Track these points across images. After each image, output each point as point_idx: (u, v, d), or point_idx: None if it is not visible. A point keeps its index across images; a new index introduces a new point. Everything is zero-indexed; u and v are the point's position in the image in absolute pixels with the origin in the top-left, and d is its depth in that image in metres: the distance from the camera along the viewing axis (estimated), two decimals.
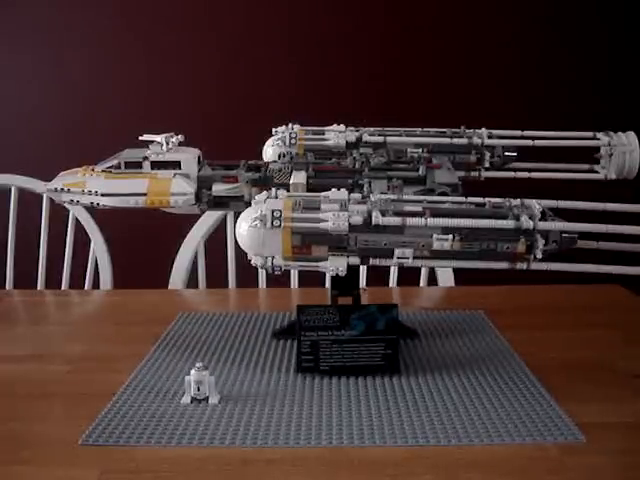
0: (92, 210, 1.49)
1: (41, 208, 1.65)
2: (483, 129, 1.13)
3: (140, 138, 1.04)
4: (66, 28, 2.37)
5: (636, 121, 1.36)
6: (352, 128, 1.14)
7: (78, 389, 0.96)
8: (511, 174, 1.13)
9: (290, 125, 1.13)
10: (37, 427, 0.85)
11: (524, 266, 0.88)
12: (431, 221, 0.86)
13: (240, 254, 0.97)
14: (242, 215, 0.90)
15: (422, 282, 1.53)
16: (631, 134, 1.11)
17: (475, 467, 0.75)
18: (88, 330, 1.20)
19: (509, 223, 0.86)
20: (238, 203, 1.03)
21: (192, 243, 1.56)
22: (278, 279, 1.02)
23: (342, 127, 1.13)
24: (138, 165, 1.02)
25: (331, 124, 1.14)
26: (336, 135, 1.11)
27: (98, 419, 0.85)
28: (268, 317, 1.22)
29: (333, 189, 0.91)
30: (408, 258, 0.88)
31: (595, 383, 0.95)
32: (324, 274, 1.22)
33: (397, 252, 0.88)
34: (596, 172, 1.14)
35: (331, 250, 0.89)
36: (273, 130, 1.13)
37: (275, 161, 1.09)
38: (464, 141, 1.10)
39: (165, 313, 1.24)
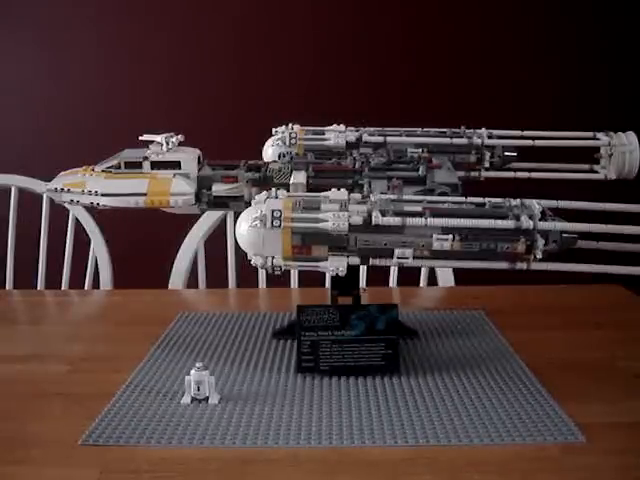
0: (92, 210, 1.49)
1: (41, 208, 1.65)
2: (483, 129, 1.13)
3: (140, 138, 1.04)
4: (66, 28, 2.37)
5: (636, 121, 1.36)
6: (352, 128, 1.14)
7: (78, 389, 0.96)
8: (511, 174, 1.13)
9: (290, 125, 1.13)
10: (37, 427, 0.85)
11: (524, 266, 0.88)
12: (431, 221, 0.86)
13: (240, 254, 0.97)
14: (242, 215, 0.90)
15: (422, 282, 1.53)
16: (631, 134, 1.11)
17: (475, 467, 0.75)
18: (88, 330, 1.20)
19: (509, 223, 0.86)
20: (238, 203, 1.02)
21: (192, 243, 1.56)
22: (278, 279, 1.02)
23: (342, 127, 1.13)
24: (138, 165, 1.02)
25: (331, 124, 1.14)
26: (336, 135, 1.11)
27: (98, 419, 0.85)
28: (268, 317, 1.21)
29: (333, 189, 0.91)
30: (408, 258, 0.88)
31: (595, 383, 0.95)
32: (324, 274, 1.22)
33: (397, 252, 0.88)
34: (596, 172, 1.14)
35: (331, 250, 0.89)
36: (273, 130, 1.13)
37: (275, 161, 1.09)
38: (464, 141, 1.10)
39: (165, 313, 1.24)
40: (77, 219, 1.62)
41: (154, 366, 1.01)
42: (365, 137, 1.11)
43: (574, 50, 2.38)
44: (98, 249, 1.60)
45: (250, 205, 0.91)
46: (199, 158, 1.05)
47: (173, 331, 1.16)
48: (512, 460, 0.77)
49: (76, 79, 2.41)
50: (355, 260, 0.90)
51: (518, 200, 0.89)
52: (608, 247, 0.93)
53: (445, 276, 1.49)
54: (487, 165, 1.11)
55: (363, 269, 1.35)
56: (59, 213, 1.61)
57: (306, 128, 1.13)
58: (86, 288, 1.59)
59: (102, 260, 1.59)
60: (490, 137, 1.12)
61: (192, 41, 2.38)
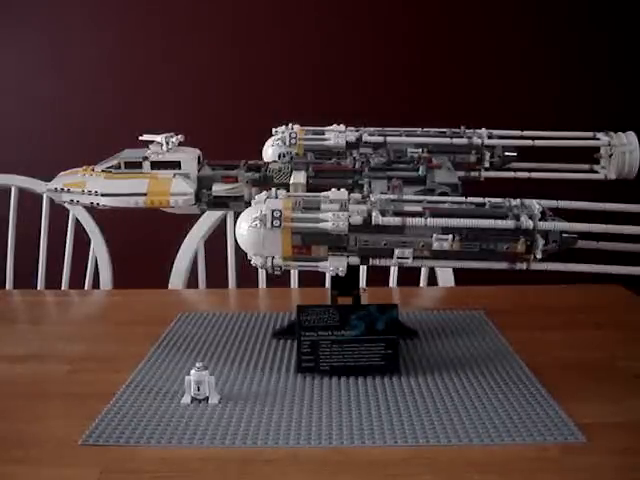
0: (92, 210, 1.49)
1: (41, 208, 1.65)
2: (483, 129, 1.13)
3: (140, 138, 1.04)
4: (67, 28, 2.37)
5: (636, 121, 1.36)
6: (352, 128, 1.14)
7: (78, 389, 0.96)
8: (511, 174, 1.13)
9: (290, 125, 1.13)
10: (37, 427, 0.85)
11: (524, 266, 0.88)
12: (431, 221, 0.86)
13: (240, 254, 0.97)
14: (242, 215, 0.90)
15: (422, 282, 1.53)
16: (631, 134, 1.11)
17: (475, 467, 0.75)
18: (88, 330, 1.20)
19: (509, 223, 0.86)
20: (238, 203, 1.02)
21: (192, 243, 1.56)
22: (278, 279, 1.02)
23: (342, 127, 1.13)
24: (138, 165, 1.02)
25: (331, 124, 1.14)
26: (336, 135, 1.11)
27: (98, 419, 0.85)
28: (268, 317, 1.21)
29: (333, 189, 0.91)
30: (408, 258, 0.88)
31: (595, 383, 0.95)
32: (324, 274, 1.22)
33: (397, 252, 0.88)
34: (596, 172, 1.14)
35: (331, 250, 0.89)
36: (273, 130, 1.13)
37: (275, 161, 1.09)
38: (464, 141, 1.10)
39: (165, 313, 1.24)
40: (77, 219, 1.62)
41: (154, 366, 1.01)
42: (365, 137, 1.11)
43: (574, 50, 2.38)
44: (98, 249, 1.60)
45: (250, 205, 0.91)
46: (199, 158, 1.05)
47: (173, 331, 1.16)
48: (512, 460, 0.77)
49: (76, 79, 2.41)
50: (355, 260, 0.90)
51: (518, 200, 0.89)
52: (608, 247, 0.93)
53: (445, 276, 1.49)
54: (487, 165, 1.11)
55: (363, 269, 1.36)
56: (59, 213, 1.61)
57: (306, 128, 1.13)
58: (86, 288, 1.59)
59: (102, 260, 1.59)
60: (490, 137, 1.12)
61: (192, 41, 2.37)
